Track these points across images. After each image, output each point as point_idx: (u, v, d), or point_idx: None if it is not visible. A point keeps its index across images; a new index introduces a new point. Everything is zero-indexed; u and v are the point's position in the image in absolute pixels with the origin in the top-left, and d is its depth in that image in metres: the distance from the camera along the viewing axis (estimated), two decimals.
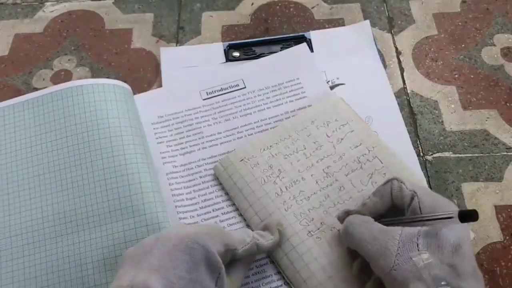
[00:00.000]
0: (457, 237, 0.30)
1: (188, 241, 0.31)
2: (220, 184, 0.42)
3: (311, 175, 0.41)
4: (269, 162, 0.41)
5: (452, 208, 0.31)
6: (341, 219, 0.36)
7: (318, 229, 0.38)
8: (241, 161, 0.42)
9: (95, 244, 0.38)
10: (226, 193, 0.41)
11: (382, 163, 0.41)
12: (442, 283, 0.27)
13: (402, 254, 0.29)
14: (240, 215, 0.40)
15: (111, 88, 0.44)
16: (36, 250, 0.38)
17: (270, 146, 0.42)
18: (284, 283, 0.37)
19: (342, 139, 0.42)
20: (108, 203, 0.39)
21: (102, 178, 0.39)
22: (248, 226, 0.40)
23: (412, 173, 0.40)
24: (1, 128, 0.43)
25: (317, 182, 0.40)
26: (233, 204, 0.41)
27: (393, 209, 0.34)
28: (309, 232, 0.38)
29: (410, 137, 0.44)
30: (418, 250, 0.29)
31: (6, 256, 0.38)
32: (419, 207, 0.31)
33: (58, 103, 0.43)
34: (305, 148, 0.42)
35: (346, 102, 0.45)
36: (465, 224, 0.29)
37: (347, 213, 0.35)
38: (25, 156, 0.41)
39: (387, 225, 0.32)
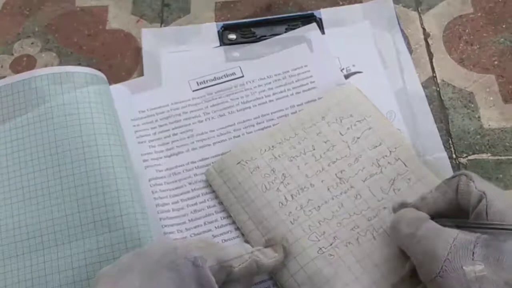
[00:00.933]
0: None
1: (174, 256, 0.31)
2: (213, 191, 0.42)
3: (322, 181, 0.41)
4: (272, 165, 0.41)
5: None
6: (395, 211, 0.36)
7: (331, 245, 0.38)
8: (238, 164, 0.42)
9: (63, 264, 0.38)
10: (221, 203, 0.41)
11: (406, 166, 0.41)
12: None
13: (452, 260, 0.30)
14: (238, 229, 0.40)
15: (81, 77, 0.43)
16: None
17: (273, 146, 0.42)
18: None
19: (358, 138, 0.42)
20: (79, 215, 0.39)
21: (71, 186, 0.39)
22: (247, 242, 0.40)
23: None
24: None
25: (328, 189, 0.40)
26: (229, 216, 0.41)
27: (456, 209, 0.34)
28: (320, 248, 0.38)
29: (441, 136, 0.44)
30: (473, 260, 0.29)
31: None
32: (486, 212, 0.31)
33: (19, 95, 0.43)
34: (314, 149, 0.42)
35: (363, 94, 0.45)
36: None
37: (403, 205, 0.36)
38: None
39: (443, 226, 0.32)
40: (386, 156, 0.41)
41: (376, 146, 0.42)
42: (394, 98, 0.45)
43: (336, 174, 0.41)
